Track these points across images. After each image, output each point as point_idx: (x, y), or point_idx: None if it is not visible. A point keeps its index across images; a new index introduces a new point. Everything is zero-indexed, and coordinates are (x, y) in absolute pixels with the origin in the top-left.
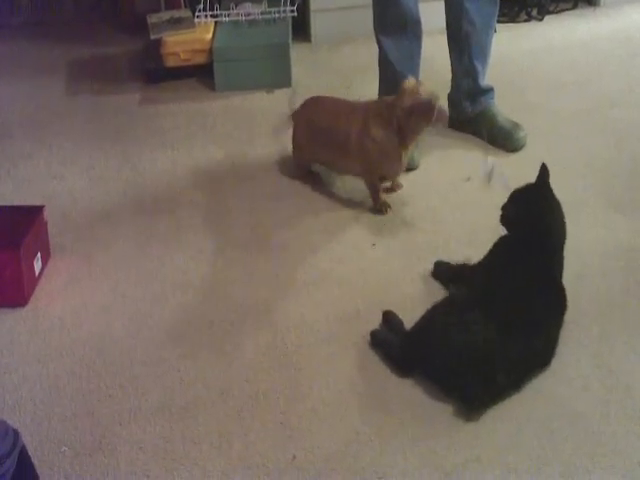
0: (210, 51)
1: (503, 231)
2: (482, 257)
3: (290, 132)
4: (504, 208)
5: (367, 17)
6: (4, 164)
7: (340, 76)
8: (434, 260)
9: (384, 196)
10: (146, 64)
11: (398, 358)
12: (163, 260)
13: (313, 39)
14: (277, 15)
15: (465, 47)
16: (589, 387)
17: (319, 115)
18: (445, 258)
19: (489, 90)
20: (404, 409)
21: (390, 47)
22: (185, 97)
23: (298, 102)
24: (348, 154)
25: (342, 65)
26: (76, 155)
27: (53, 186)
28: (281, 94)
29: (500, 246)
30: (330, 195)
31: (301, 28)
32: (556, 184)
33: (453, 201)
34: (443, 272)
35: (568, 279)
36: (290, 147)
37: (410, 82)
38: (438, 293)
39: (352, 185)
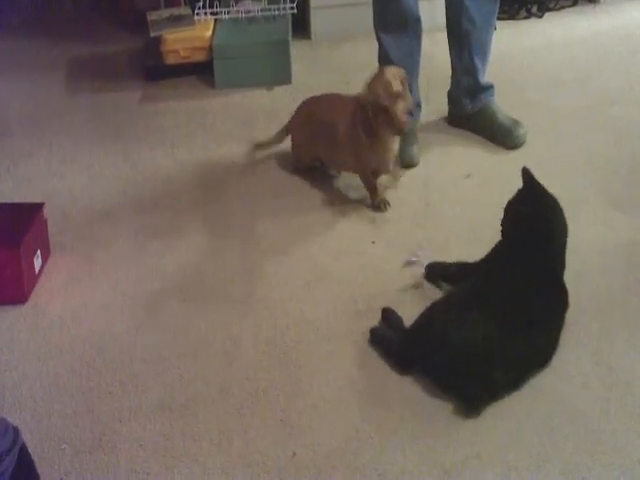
0: (210, 48)
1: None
2: (482, 256)
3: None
4: (504, 224)
5: (367, 14)
6: (4, 162)
7: (340, 73)
8: (434, 257)
9: (383, 193)
10: (146, 62)
11: (397, 355)
12: (163, 258)
13: (313, 36)
14: (277, 12)
15: (465, 44)
16: (589, 385)
17: (315, 112)
18: (445, 255)
19: (489, 87)
20: (404, 406)
21: (390, 44)
22: (185, 95)
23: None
24: (339, 148)
25: (342, 62)
26: (76, 153)
27: (53, 184)
28: (281, 91)
29: (502, 245)
30: (329, 192)
31: (301, 25)
32: (556, 181)
33: (453, 198)
34: (436, 274)
35: (568, 277)
36: (290, 144)
37: (387, 72)
38: (437, 291)
39: (351, 182)
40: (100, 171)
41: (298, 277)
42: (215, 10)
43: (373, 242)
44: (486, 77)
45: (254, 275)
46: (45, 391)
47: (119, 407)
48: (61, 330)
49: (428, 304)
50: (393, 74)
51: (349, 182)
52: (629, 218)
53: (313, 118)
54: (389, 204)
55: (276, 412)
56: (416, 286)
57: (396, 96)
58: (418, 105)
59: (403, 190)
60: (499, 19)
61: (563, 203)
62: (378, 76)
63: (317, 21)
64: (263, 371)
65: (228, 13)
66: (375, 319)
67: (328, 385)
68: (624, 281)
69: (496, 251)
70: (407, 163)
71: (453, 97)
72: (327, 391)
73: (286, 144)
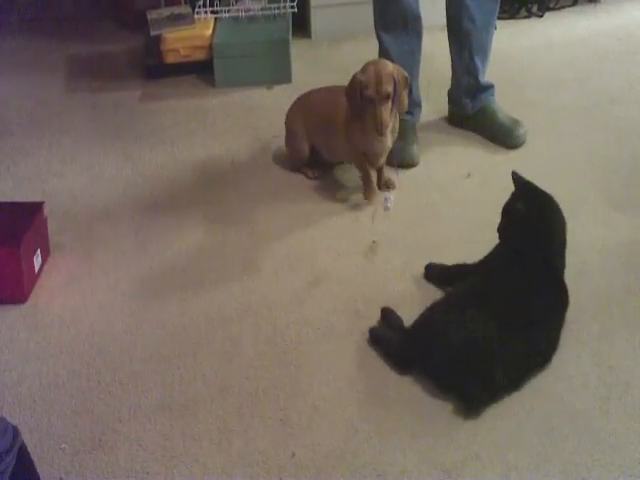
0: (210, 47)
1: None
2: (482, 257)
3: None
4: (500, 228)
5: (367, 13)
6: (4, 161)
7: (340, 72)
8: (434, 256)
9: (375, 190)
10: (146, 61)
11: (397, 355)
12: (163, 257)
13: (313, 35)
14: (277, 11)
15: (465, 44)
16: (589, 384)
17: (311, 101)
18: (445, 255)
19: (489, 87)
20: (403, 406)
21: (390, 43)
22: (185, 93)
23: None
24: (335, 132)
25: (342, 61)
26: (76, 152)
27: (53, 184)
28: (281, 90)
29: (501, 245)
30: (329, 192)
31: (301, 24)
32: (556, 181)
33: (453, 197)
34: (435, 274)
35: (568, 276)
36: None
37: (385, 68)
38: (437, 291)
39: (352, 182)
40: (100, 170)
41: (298, 277)
42: (215, 9)
43: (373, 242)
44: (486, 77)
45: (254, 275)
46: (45, 391)
47: (119, 407)
48: (61, 330)
49: (428, 304)
50: (390, 72)
51: (349, 182)
52: (629, 218)
53: (310, 107)
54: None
55: (276, 412)
56: (416, 286)
57: (386, 96)
58: (418, 105)
59: (403, 190)
60: (499, 19)
61: (563, 202)
62: (376, 67)
63: (317, 20)
64: (263, 371)
65: (228, 12)
66: (375, 319)
67: (328, 385)
68: (624, 281)
69: (496, 251)
70: (407, 163)
71: (453, 97)
72: (327, 391)
73: (284, 144)
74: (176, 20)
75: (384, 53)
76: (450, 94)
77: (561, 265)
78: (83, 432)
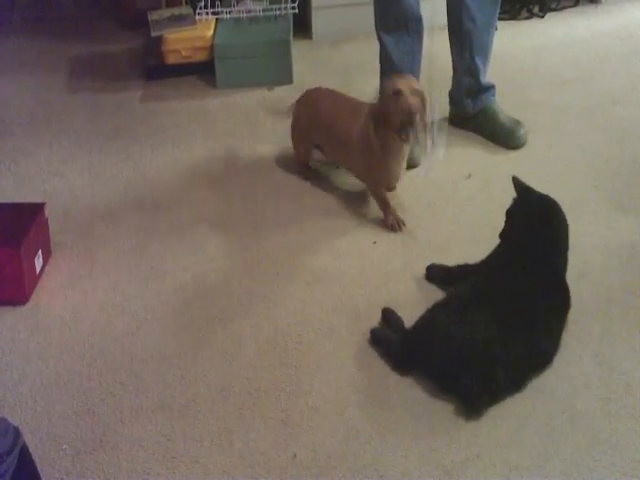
0: (211, 48)
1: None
2: (483, 257)
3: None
4: (503, 233)
5: (368, 14)
6: (5, 161)
7: (341, 74)
8: (435, 257)
9: (396, 211)
10: (147, 61)
11: (398, 356)
12: (164, 257)
13: (314, 36)
14: (278, 12)
15: (466, 44)
16: (590, 385)
17: (324, 108)
18: (445, 255)
19: (490, 87)
20: (404, 407)
21: (391, 44)
22: (186, 94)
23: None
24: (351, 155)
25: (343, 62)
26: (77, 153)
27: (54, 184)
28: (282, 91)
29: (503, 246)
30: (330, 192)
31: (302, 25)
32: (557, 182)
33: (454, 198)
34: (437, 275)
35: (570, 277)
36: (291, 143)
37: (400, 82)
38: (438, 291)
39: (352, 182)
40: (101, 171)
41: (299, 277)
42: (216, 10)
43: (374, 242)
44: (487, 77)
45: (254, 275)
46: (46, 391)
47: (120, 407)
48: (62, 330)
49: (429, 305)
50: (410, 89)
51: (349, 183)
52: (631, 218)
53: (320, 112)
54: (404, 223)
55: (277, 412)
56: (417, 287)
57: (424, 106)
58: None
59: (403, 190)
60: (500, 19)
61: (564, 203)
62: (408, 81)
63: (318, 21)
64: (264, 371)
65: (229, 13)
66: (375, 319)
67: (329, 386)
68: (625, 281)
69: (497, 252)
70: (408, 163)
71: (454, 97)
72: (328, 391)
73: (288, 146)
74: (177, 21)
75: (385, 54)
76: (451, 95)
77: (563, 266)
78: (84, 432)
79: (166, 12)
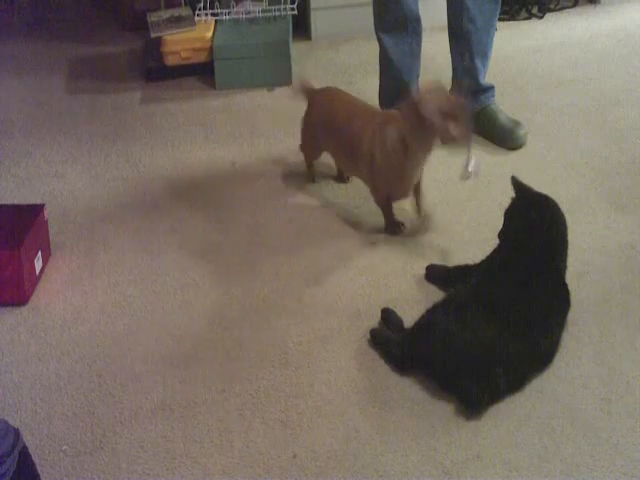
0: (210, 49)
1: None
2: (483, 257)
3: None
4: (502, 233)
5: (367, 15)
6: (5, 162)
7: (341, 74)
8: (434, 257)
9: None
10: (146, 63)
11: (398, 356)
12: (164, 258)
13: (313, 37)
14: (277, 13)
15: (466, 45)
16: (590, 385)
17: (335, 113)
18: (445, 255)
19: (490, 88)
20: (404, 407)
21: (390, 44)
22: (185, 96)
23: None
24: (359, 161)
25: (342, 63)
26: (77, 154)
27: (54, 185)
28: (281, 92)
29: (503, 247)
30: (330, 193)
31: (301, 26)
32: (556, 182)
33: (453, 199)
34: (436, 275)
35: (569, 277)
36: (291, 144)
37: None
38: (438, 292)
39: (353, 183)
40: (101, 172)
41: (298, 277)
42: (215, 11)
43: (374, 243)
44: (487, 78)
45: (254, 275)
46: (46, 392)
47: (120, 408)
48: (62, 331)
49: (429, 305)
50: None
51: (350, 183)
52: (630, 219)
53: (331, 117)
54: (404, 225)
55: (277, 413)
56: (416, 287)
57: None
58: None
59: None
60: (499, 20)
61: (563, 204)
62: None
63: (317, 22)
64: (264, 372)
65: (229, 14)
66: (375, 320)
67: (328, 386)
68: (625, 281)
69: (497, 252)
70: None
71: None
72: (328, 392)
73: (288, 147)
74: (176, 22)
75: (384, 54)
76: None
77: (562, 266)
78: (84, 434)
79: (165, 13)
